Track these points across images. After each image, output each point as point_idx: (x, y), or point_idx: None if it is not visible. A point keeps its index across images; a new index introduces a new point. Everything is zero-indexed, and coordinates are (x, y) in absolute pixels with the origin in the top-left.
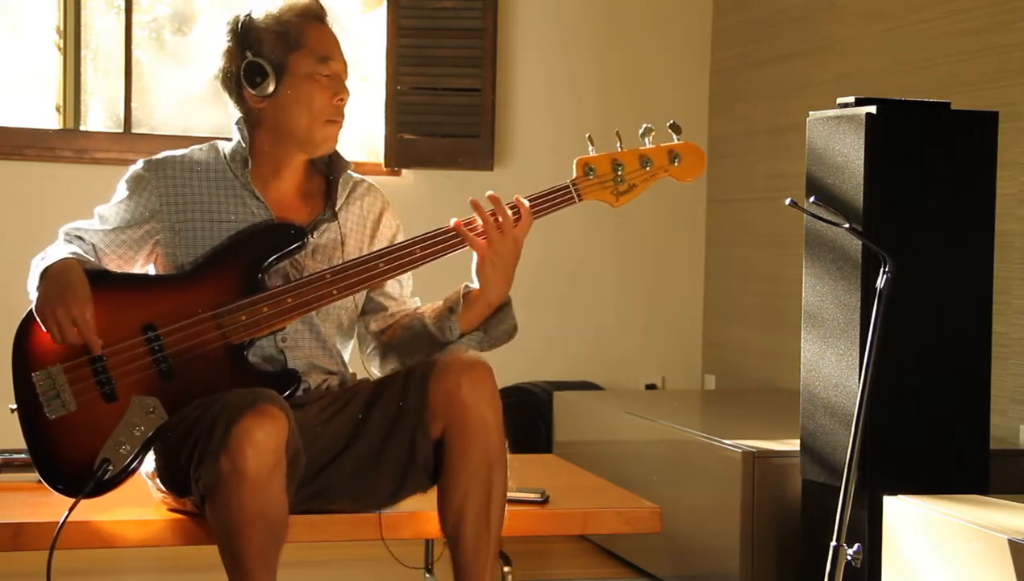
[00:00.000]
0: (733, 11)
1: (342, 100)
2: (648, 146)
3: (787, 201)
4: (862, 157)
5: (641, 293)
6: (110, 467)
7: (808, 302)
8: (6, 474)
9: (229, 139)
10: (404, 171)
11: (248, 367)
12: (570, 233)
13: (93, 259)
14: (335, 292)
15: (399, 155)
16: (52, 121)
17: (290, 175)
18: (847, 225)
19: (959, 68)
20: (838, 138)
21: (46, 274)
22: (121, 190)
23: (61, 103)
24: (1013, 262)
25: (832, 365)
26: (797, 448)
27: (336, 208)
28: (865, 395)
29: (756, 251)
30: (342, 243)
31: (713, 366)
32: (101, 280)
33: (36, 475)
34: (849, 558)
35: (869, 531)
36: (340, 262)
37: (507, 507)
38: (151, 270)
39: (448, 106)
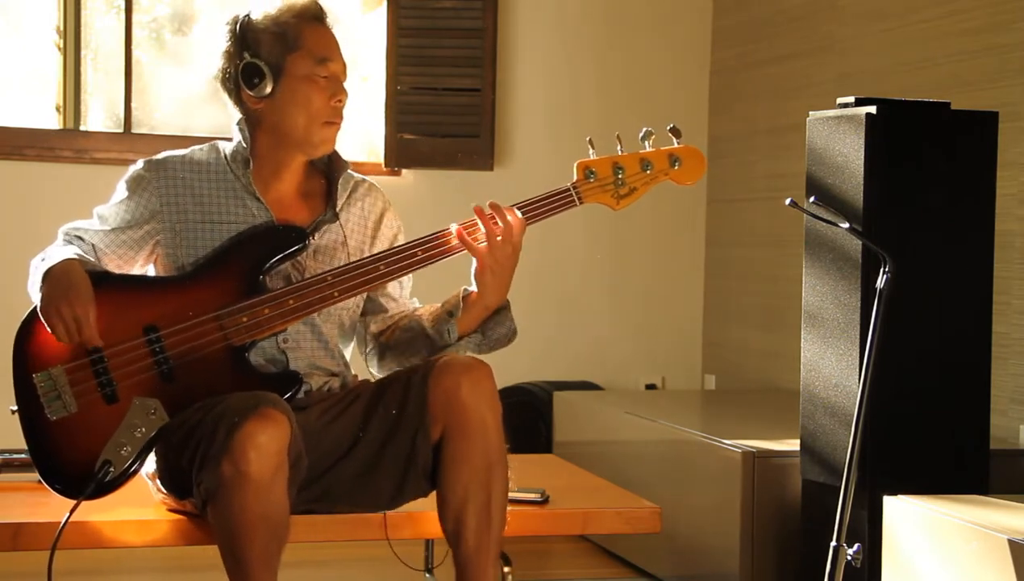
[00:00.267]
0: (733, 11)
1: (340, 101)
2: (648, 149)
3: (787, 201)
4: (862, 157)
5: (641, 293)
6: (111, 468)
7: (808, 302)
8: (6, 474)
9: (229, 139)
10: (404, 171)
11: (249, 369)
12: (570, 233)
13: (93, 260)
14: (336, 294)
15: (399, 155)
16: (52, 121)
17: (290, 176)
18: (847, 225)
19: (959, 68)
20: (838, 138)
21: (49, 275)
22: (121, 190)
23: (61, 103)
24: (1013, 262)
25: (832, 365)
26: (797, 448)
27: (337, 209)
28: (865, 395)
29: (756, 251)
30: (343, 244)
31: (713, 366)
32: (102, 281)
33: (36, 475)
34: (849, 558)
35: (869, 531)
36: (341, 263)
37: (507, 507)
38: (151, 271)
39: (448, 106)
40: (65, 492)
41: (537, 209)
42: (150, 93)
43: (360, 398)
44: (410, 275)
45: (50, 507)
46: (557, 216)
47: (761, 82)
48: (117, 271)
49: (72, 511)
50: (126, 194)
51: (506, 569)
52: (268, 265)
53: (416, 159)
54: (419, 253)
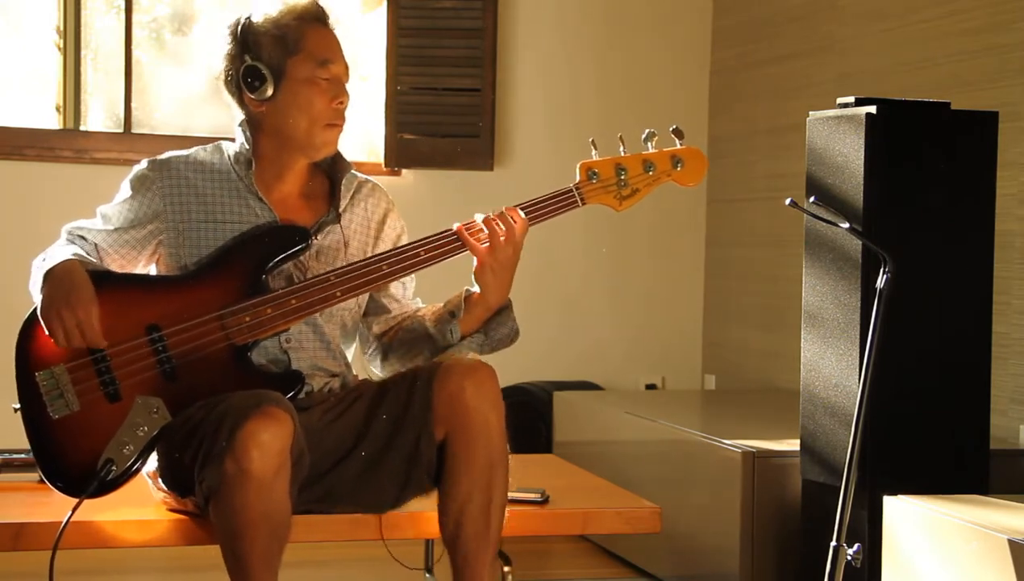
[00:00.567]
0: (733, 11)
1: (342, 104)
2: (651, 150)
3: (787, 201)
4: (862, 157)
5: (641, 293)
6: (113, 467)
7: (808, 302)
8: (6, 474)
9: (233, 140)
10: (404, 171)
11: (252, 368)
12: (571, 234)
13: (95, 259)
14: (339, 294)
15: (399, 155)
16: (52, 121)
17: (292, 178)
18: (847, 225)
19: (959, 68)
20: (838, 138)
21: (49, 276)
22: (125, 189)
23: (61, 103)
24: (1013, 262)
25: (832, 365)
26: (797, 448)
27: (340, 210)
28: (865, 395)
29: (756, 251)
30: (345, 245)
31: (713, 366)
32: (105, 281)
33: (36, 475)
34: (849, 558)
35: (869, 531)
36: (344, 264)
37: (507, 507)
38: (153, 270)
39: (448, 106)
40: (67, 491)
41: (540, 210)
42: (150, 93)
43: (362, 398)
44: (413, 275)
45: (51, 507)
46: (559, 217)
47: (761, 82)
48: (119, 271)
49: (74, 510)
50: (130, 193)
51: (506, 569)
52: (271, 265)
53: (416, 159)
54: (422, 253)
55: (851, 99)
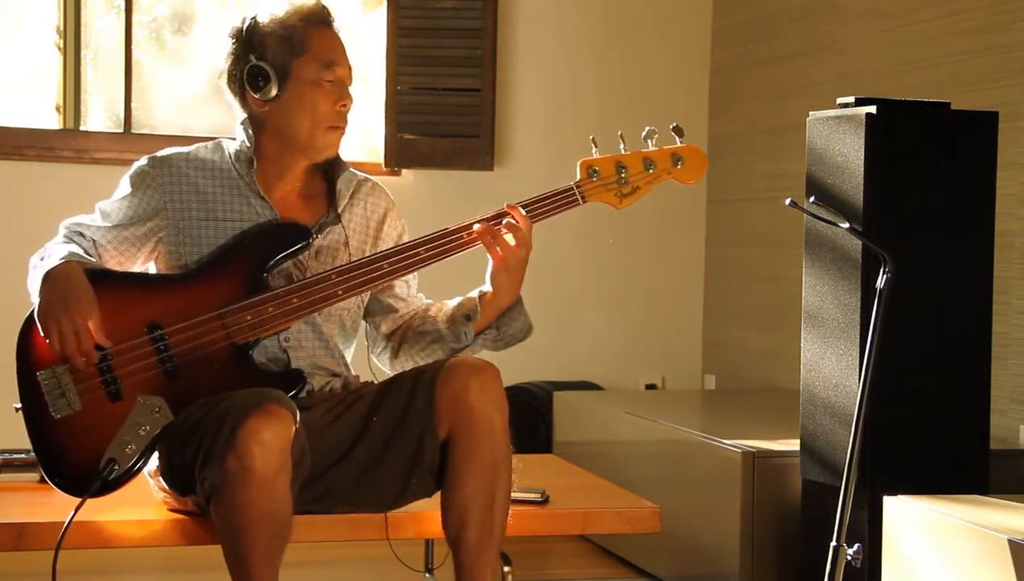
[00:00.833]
0: (733, 11)
1: (345, 106)
2: (651, 148)
3: (787, 201)
4: (862, 157)
5: (641, 293)
6: (116, 466)
7: (808, 302)
8: (7, 474)
9: (234, 138)
10: (404, 171)
11: (253, 367)
12: (570, 233)
13: (93, 256)
14: (340, 293)
15: (399, 155)
16: (52, 121)
17: (293, 178)
18: (847, 225)
19: (959, 68)
20: (838, 138)
21: (47, 278)
22: (124, 186)
23: (61, 103)
24: (1013, 262)
25: (832, 365)
26: (797, 448)
27: (339, 210)
28: (865, 395)
29: (756, 251)
30: (345, 244)
31: (713, 366)
32: (105, 279)
33: (38, 475)
34: (849, 558)
35: (869, 531)
36: (343, 263)
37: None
38: (151, 268)
39: (448, 106)
40: (69, 490)
41: (540, 208)
42: (150, 93)
43: (364, 398)
44: (415, 273)
45: (52, 507)
46: (558, 217)
47: (761, 82)
48: (118, 268)
49: (76, 509)
50: (129, 190)
51: (506, 569)
52: (272, 263)
53: (416, 159)
54: (423, 251)
55: (851, 99)
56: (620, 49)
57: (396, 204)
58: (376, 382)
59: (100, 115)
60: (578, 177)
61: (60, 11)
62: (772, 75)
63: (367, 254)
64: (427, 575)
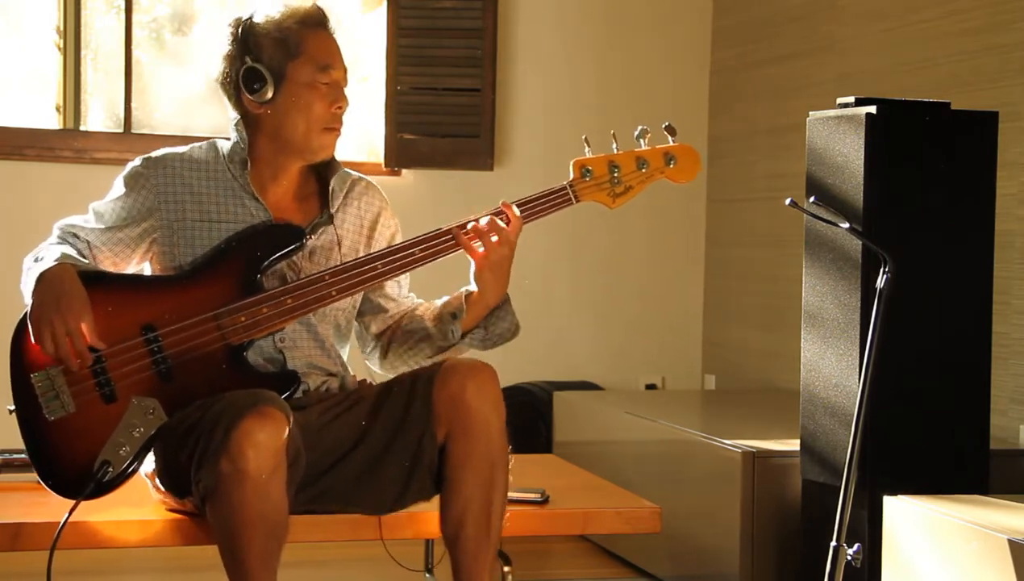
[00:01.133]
0: (733, 11)
1: (340, 108)
2: (644, 148)
3: (787, 201)
4: (862, 157)
5: (641, 293)
6: (110, 468)
7: (808, 302)
8: (5, 474)
9: (228, 138)
10: (404, 171)
11: (248, 368)
12: (569, 233)
13: (87, 257)
14: (334, 293)
15: (399, 155)
16: (52, 121)
17: (287, 180)
18: (847, 225)
19: (959, 68)
20: (838, 138)
21: (40, 281)
22: (118, 187)
23: (61, 103)
24: (1013, 262)
25: (832, 365)
26: (797, 448)
27: (333, 210)
28: (865, 395)
29: (756, 251)
30: (338, 244)
31: (713, 366)
32: (99, 281)
33: (35, 475)
34: (849, 558)
35: (869, 531)
36: (336, 263)
37: (507, 507)
38: (146, 268)
39: (448, 106)
40: (64, 492)
41: (533, 208)
42: (150, 93)
43: (364, 399)
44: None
45: (49, 507)
46: (558, 215)
47: (761, 82)
48: (112, 269)
49: (71, 511)
50: (123, 191)
51: (506, 569)
52: (266, 264)
53: (416, 159)
54: (416, 252)
55: (851, 99)
56: (620, 49)
57: (390, 203)
58: (374, 381)
59: (100, 115)
60: (571, 176)
61: (60, 11)
62: (772, 75)
63: (360, 254)
64: (427, 575)
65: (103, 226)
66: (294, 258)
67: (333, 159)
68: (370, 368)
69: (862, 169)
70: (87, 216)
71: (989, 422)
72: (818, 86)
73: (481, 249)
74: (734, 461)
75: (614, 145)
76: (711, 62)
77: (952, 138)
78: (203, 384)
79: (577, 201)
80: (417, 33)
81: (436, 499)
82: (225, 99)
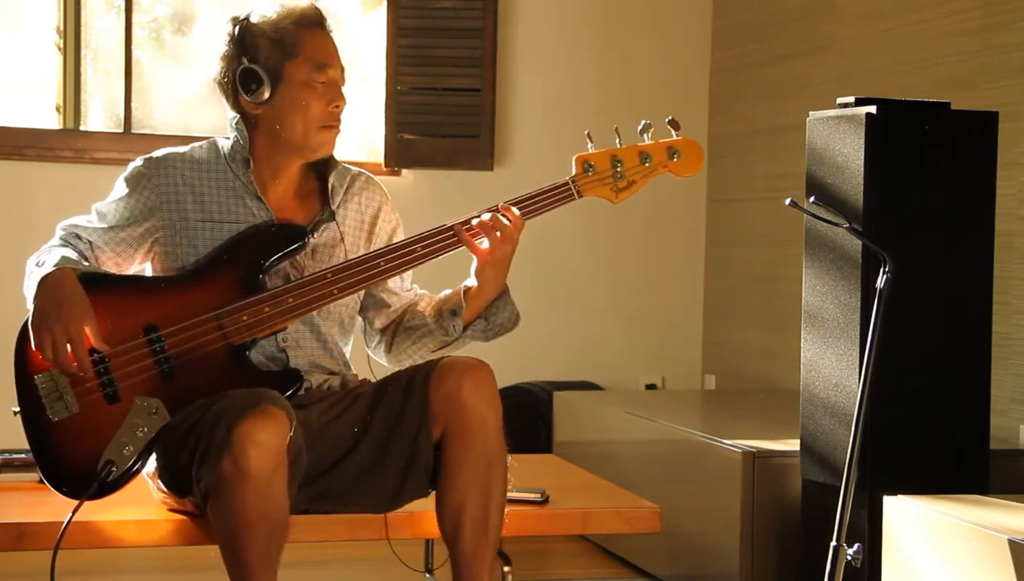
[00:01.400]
0: (733, 11)
1: (338, 107)
2: (647, 142)
3: (787, 201)
4: (862, 157)
5: (641, 293)
6: (114, 468)
7: (808, 302)
8: (7, 474)
9: (228, 137)
10: (404, 171)
11: (250, 367)
12: (569, 232)
13: (90, 258)
14: (336, 291)
15: (399, 155)
16: (52, 121)
17: (287, 178)
18: (847, 225)
19: (959, 68)
20: (838, 138)
21: (41, 285)
22: (120, 187)
23: (61, 103)
24: (1013, 262)
25: (832, 365)
26: (797, 448)
27: (334, 206)
28: (865, 395)
29: (756, 251)
30: (340, 241)
31: (713, 366)
32: (101, 282)
33: (37, 475)
34: (849, 558)
35: (869, 531)
36: (339, 260)
37: (507, 507)
38: (148, 268)
39: (448, 106)
40: (68, 492)
41: (536, 204)
42: (150, 93)
43: (362, 397)
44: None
45: (52, 507)
46: (558, 214)
47: (761, 82)
48: (114, 269)
49: (75, 511)
50: (125, 191)
51: (506, 569)
52: (268, 264)
53: (416, 159)
54: (419, 249)
55: (851, 99)
56: (620, 49)
57: (390, 198)
58: (375, 380)
59: (100, 115)
60: (573, 172)
61: (60, 11)
62: (772, 75)
63: (362, 250)
64: (427, 575)
65: (106, 226)
66: (297, 257)
67: (333, 156)
68: (376, 362)
69: (862, 169)
70: (90, 216)
71: (989, 422)
72: (818, 86)
73: (483, 246)
74: (734, 461)
75: (617, 140)
76: (711, 62)
77: (952, 138)
78: (206, 384)
79: (580, 196)
80: (417, 33)
81: (434, 497)
82: (223, 99)
